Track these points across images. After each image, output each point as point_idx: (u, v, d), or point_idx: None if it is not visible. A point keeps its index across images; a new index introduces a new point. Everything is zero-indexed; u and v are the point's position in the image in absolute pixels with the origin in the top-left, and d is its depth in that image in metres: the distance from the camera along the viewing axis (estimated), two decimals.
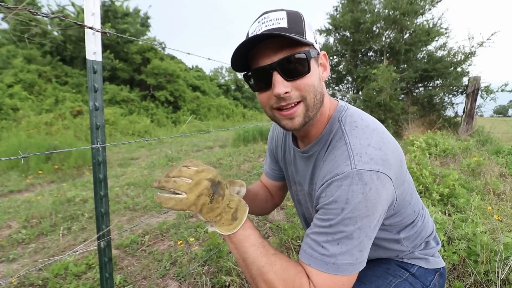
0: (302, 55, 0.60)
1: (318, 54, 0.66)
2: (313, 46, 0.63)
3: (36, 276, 1.69)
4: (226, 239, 0.63)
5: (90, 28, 0.80)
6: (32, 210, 2.64)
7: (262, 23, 0.61)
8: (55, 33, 11.00)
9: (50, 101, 8.75)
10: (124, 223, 2.45)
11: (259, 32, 0.60)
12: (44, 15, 0.73)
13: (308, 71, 0.61)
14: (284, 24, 0.60)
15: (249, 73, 0.65)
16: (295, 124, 0.64)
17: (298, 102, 0.63)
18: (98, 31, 0.83)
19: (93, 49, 0.86)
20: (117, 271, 1.75)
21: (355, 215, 0.57)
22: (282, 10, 0.63)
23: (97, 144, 0.90)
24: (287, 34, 0.57)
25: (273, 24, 0.60)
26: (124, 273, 1.72)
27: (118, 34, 1.06)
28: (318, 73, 0.65)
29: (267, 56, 0.60)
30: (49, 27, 10.85)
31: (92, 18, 0.83)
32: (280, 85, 0.60)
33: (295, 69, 0.60)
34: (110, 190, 3.27)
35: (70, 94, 9.69)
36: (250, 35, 0.62)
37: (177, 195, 0.57)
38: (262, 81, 0.63)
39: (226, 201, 0.61)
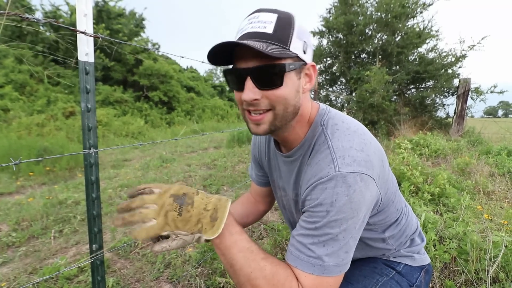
0: (277, 68, 0.58)
1: (305, 65, 0.64)
2: (297, 57, 0.61)
3: (27, 280, 1.66)
4: (214, 246, 0.62)
5: (82, 32, 0.80)
6: (23, 213, 2.60)
7: (251, 23, 0.60)
8: (48, 34, 10.84)
9: (42, 102, 8.61)
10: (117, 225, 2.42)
11: (244, 32, 0.59)
12: (35, 19, 0.72)
13: (281, 84, 0.60)
14: (269, 29, 0.58)
15: (226, 71, 0.64)
16: (260, 130, 0.65)
17: (267, 110, 0.62)
18: (91, 36, 0.82)
19: (85, 51, 0.85)
20: (109, 274, 1.74)
21: (340, 217, 0.58)
22: (275, 11, 0.60)
23: (90, 148, 0.89)
24: (262, 46, 0.55)
25: (258, 27, 0.58)
26: (117, 276, 1.71)
27: (111, 39, 1.06)
28: (297, 86, 0.63)
29: (244, 60, 0.59)
30: (41, 28, 10.69)
31: (84, 20, 0.83)
32: (250, 91, 0.59)
33: (268, 80, 0.59)
34: (103, 192, 3.24)
35: (63, 95, 9.54)
36: (238, 31, 0.62)
37: (146, 223, 0.56)
38: (237, 82, 0.62)
39: (200, 206, 0.58)
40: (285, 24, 0.59)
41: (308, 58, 0.64)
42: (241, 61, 0.60)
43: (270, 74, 0.58)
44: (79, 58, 0.84)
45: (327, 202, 0.58)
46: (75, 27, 0.83)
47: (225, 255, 0.60)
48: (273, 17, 0.59)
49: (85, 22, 0.83)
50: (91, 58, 0.87)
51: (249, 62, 0.59)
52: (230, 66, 0.65)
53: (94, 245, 1.00)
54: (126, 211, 0.57)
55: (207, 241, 0.60)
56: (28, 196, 3.17)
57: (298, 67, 0.62)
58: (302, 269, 0.59)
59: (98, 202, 0.98)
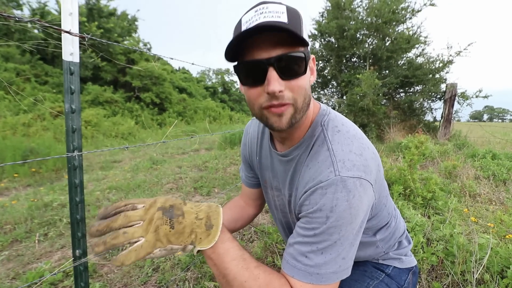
0: (301, 55, 0.57)
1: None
2: (307, 48, 0.60)
3: (9, 286, 1.60)
4: (205, 256, 0.59)
5: (67, 32, 0.78)
6: (6, 216, 2.51)
7: (261, 13, 0.56)
8: (36, 31, 10.60)
9: (29, 101, 8.40)
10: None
11: (257, 22, 0.55)
12: (17, 18, 0.70)
13: (304, 72, 0.59)
14: (284, 18, 0.55)
15: (241, 65, 0.60)
16: (283, 123, 0.61)
17: (288, 104, 0.60)
18: (76, 36, 0.80)
19: (70, 50, 0.83)
20: (96, 279, 1.69)
21: (340, 223, 0.57)
22: (281, 3, 0.58)
23: (74, 151, 0.87)
24: (292, 29, 0.54)
25: (272, 16, 0.55)
26: (103, 281, 1.67)
27: (98, 39, 1.03)
28: (309, 76, 0.63)
29: (264, 50, 0.56)
30: (29, 25, 10.44)
31: (70, 19, 0.81)
32: (276, 82, 0.55)
33: (292, 69, 0.57)
34: (91, 194, 3.17)
35: (50, 94, 9.34)
36: (244, 23, 0.57)
37: (135, 244, 0.51)
38: (255, 76, 0.58)
39: (191, 215, 0.56)
40: (295, 14, 0.58)
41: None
42: (259, 51, 0.56)
43: (295, 62, 0.57)
44: (63, 58, 0.82)
45: (327, 207, 0.57)
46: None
47: (217, 265, 0.57)
48: (283, 8, 0.57)
49: (70, 21, 0.81)
50: (76, 58, 0.85)
51: (270, 52, 0.55)
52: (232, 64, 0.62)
53: (77, 250, 0.97)
54: (106, 233, 0.51)
55: (198, 252, 0.58)
56: (12, 198, 3.07)
57: (310, 57, 0.62)
58: (299, 279, 0.58)
59: (82, 206, 0.95)
